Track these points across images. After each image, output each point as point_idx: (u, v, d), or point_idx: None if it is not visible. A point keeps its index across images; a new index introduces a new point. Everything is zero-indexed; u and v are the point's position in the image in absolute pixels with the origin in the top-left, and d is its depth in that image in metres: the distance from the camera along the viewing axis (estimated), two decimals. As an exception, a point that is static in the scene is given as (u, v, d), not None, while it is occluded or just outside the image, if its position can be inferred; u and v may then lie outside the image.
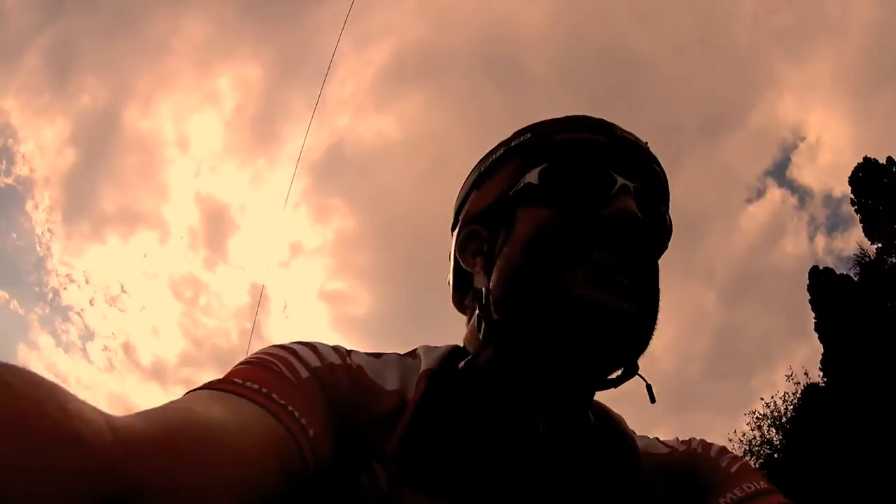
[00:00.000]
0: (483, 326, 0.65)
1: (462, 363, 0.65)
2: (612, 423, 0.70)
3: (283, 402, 0.50)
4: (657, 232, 0.69)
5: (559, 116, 0.73)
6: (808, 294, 18.54)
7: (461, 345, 0.71)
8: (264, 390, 0.50)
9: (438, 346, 0.70)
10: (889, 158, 17.13)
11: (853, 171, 17.60)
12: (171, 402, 0.47)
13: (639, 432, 0.73)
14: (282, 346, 0.59)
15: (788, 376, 19.87)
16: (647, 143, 0.72)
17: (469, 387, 0.63)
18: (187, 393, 0.51)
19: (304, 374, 0.55)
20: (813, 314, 18.34)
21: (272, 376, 0.53)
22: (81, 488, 0.32)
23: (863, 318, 16.37)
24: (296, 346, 0.59)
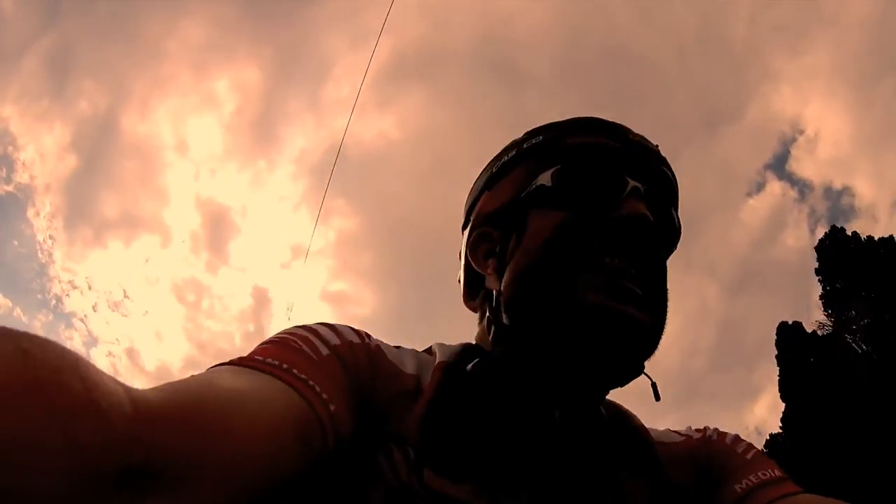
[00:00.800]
0: (493, 329, 0.68)
1: (472, 363, 0.65)
2: (623, 417, 0.72)
3: (303, 376, 0.50)
4: (667, 233, 0.70)
5: (572, 118, 0.74)
6: (775, 349, 18.47)
7: (474, 342, 0.72)
8: (284, 366, 0.50)
9: (452, 343, 0.70)
10: (854, 233, 16.80)
11: (819, 241, 17.33)
12: (193, 376, 0.47)
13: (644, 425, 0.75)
14: (302, 326, 0.59)
15: None
16: (657, 145, 0.73)
17: (483, 379, 0.63)
18: (209, 368, 0.51)
19: (325, 351, 0.56)
20: (777, 369, 18.31)
21: (293, 353, 0.53)
22: (100, 460, 0.32)
23: (825, 379, 16.32)
24: (316, 326, 0.60)
